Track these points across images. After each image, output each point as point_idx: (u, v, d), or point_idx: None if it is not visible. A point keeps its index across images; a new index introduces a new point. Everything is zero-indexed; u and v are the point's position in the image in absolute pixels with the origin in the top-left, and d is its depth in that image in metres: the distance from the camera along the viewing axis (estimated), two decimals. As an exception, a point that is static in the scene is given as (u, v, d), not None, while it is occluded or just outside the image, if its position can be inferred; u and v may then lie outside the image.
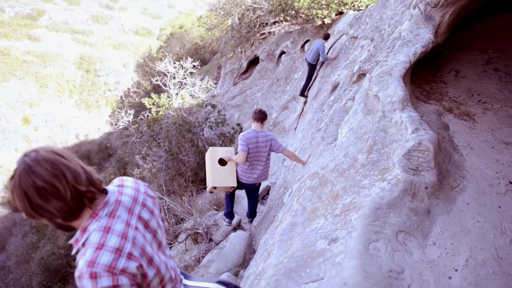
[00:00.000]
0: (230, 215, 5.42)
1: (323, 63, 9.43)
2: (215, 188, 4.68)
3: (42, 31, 37.55)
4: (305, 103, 9.54)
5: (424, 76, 4.37)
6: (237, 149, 4.67)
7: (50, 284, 12.13)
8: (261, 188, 6.82)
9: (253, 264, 3.37)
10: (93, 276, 1.23)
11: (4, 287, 15.98)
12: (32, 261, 14.62)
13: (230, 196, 5.25)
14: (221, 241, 5.39)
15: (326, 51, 8.99)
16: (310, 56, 9.15)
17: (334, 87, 6.52)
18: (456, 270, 2.13)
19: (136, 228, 1.42)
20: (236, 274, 4.46)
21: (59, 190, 1.24)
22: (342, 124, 3.90)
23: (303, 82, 9.75)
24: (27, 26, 37.19)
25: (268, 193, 7.01)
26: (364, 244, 2.13)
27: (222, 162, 4.70)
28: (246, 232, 5.55)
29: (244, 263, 4.86)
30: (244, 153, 4.46)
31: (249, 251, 5.10)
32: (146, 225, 1.49)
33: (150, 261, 1.42)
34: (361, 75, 4.76)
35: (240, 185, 4.88)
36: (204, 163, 9.98)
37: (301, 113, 9.53)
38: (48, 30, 38.24)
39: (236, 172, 4.79)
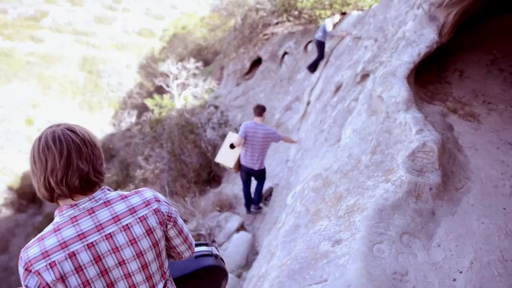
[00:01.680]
0: (247, 206, 6.32)
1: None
2: (218, 163, 6.02)
3: (45, 32, 37.68)
4: (308, 103, 9.53)
5: (428, 77, 4.35)
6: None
7: (52, 285, 12.15)
8: (264, 189, 6.84)
9: (256, 266, 3.36)
10: (19, 258, 1.27)
11: (7, 288, 16.04)
12: (35, 262, 14.65)
13: (246, 191, 6.09)
14: (224, 243, 5.39)
15: (331, 27, 9.36)
16: (317, 34, 9.53)
17: (338, 88, 6.51)
18: (460, 272, 2.11)
19: (91, 246, 1.29)
20: (239, 276, 4.45)
21: (41, 164, 1.29)
22: (345, 125, 3.89)
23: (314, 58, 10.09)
24: (30, 27, 37.32)
25: (271, 195, 7.00)
26: (368, 245, 2.12)
27: (232, 146, 5.67)
28: (249, 234, 5.54)
29: (247, 264, 4.85)
30: (240, 137, 5.32)
31: (252, 253, 5.09)
32: (115, 250, 1.33)
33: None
34: (365, 76, 4.74)
35: (243, 171, 5.71)
36: (206, 164, 10.02)
37: (304, 114, 9.52)
38: (51, 31, 38.37)
39: (239, 158, 5.64)
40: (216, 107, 12.11)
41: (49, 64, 34.79)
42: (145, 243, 1.37)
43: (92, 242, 1.30)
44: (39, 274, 1.23)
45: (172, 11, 51.15)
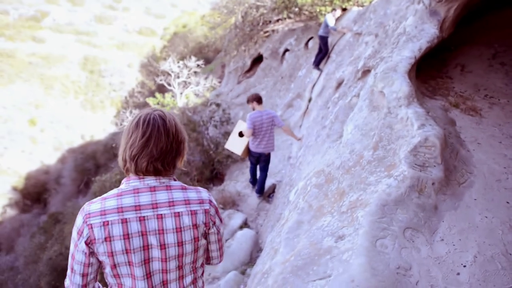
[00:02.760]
0: (253, 182, 6.91)
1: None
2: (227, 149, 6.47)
3: (46, 33, 37.74)
4: (309, 100, 9.52)
5: (430, 72, 4.34)
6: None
7: (58, 285, 12.19)
8: (266, 186, 6.87)
9: (260, 262, 3.37)
10: (82, 209, 1.43)
11: (13, 287, 16.11)
12: (40, 261, 14.71)
13: (254, 169, 6.65)
14: (227, 240, 5.41)
15: (333, 22, 9.33)
16: (320, 30, 9.54)
17: (339, 84, 6.50)
18: (464, 266, 2.12)
19: (142, 220, 1.40)
20: (243, 273, 4.47)
21: (127, 137, 1.44)
22: (347, 121, 3.89)
23: (317, 53, 10.07)
24: (31, 28, 37.39)
25: (274, 191, 7.02)
26: (371, 241, 2.12)
27: (241, 134, 6.13)
28: (253, 231, 5.56)
29: (251, 261, 4.87)
30: (249, 129, 5.67)
31: (256, 249, 5.10)
32: (161, 232, 1.43)
33: (113, 256, 1.39)
34: (366, 72, 4.74)
35: (253, 156, 6.10)
36: (209, 161, 10.04)
37: (306, 110, 9.51)
38: (52, 31, 38.42)
39: (249, 147, 6.04)
40: (217, 105, 12.11)
41: (51, 64, 34.86)
42: (188, 235, 1.46)
43: (144, 216, 1.41)
44: (91, 228, 1.37)
45: (173, 10, 51.11)
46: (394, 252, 2.09)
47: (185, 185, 1.55)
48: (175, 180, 1.54)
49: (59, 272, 12.53)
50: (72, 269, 1.46)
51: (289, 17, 13.28)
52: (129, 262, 1.41)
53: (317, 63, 9.90)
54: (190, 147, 9.87)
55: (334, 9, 9.73)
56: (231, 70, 17.93)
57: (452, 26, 4.00)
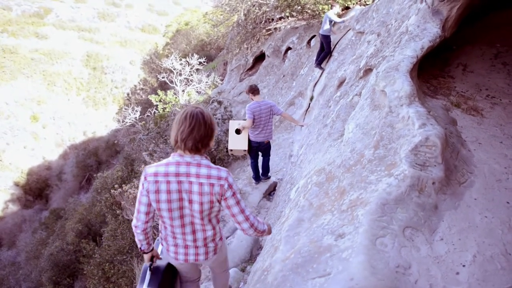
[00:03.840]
0: (256, 179, 7.05)
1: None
2: (231, 150, 6.31)
3: (49, 29, 37.76)
4: (311, 99, 9.52)
5: (432, 71, 4.34)
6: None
7: (59, 280, 12.25)
8: (268, 184, 6.88)
9: (260, 260, 3.38)
10: (144, 170, 2.26)
11: (15, 283, 16.17)
12: (42, 257, 14.78)
13: (255, 165, 6.82)
14: (228, 237, 5.42)
15: (333, 18, 9.32)
16: (321, 29, 9.52)
17: (341, 83, 6.50)
18: (463, 266, 2.12)
19: (179, 182, 2.18)
20: (243, 270, 4.48)
21: (178, 125, 2.16)
22: (348, 119, 3.89)
23: (319, 52, 10.06)
24: (34, 24, 37.41)
25: (274, 189, 7.03)
26: (371, 239, 2.13)
27: (238, 131, 6.20)
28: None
29: (251, 258, 4.88)
30: (250, 119, 5.84)
31: (256, 247, 5.11)
32: (189, 192, 2.20)
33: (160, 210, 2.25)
34: (368, 70, 4.73)
35: (254, 146, 6.30)
36: (211, 159, 10.04)
37: (308, 109, 9.51)
38: (55, 28, 38.44)
39: (249, 137, 6.18)
40: (219, 102, 12.11)
41: (54, 61, 34.89)
42: (206, 198, 2.21)
43: (180, 180, 2.19)
44: (148, 183, 2.20)
45: (175, 7, 51.12)
46: (393, 251, 2.09)
47: (211, 164, 2.25)
48: (206, 157, 2.27)
49: (61, 267, 12.59)
50: (138, 211, 2.30)
51: (292, 15, 13.26)
52: (168, 209, 2.23)
53: (319, 62, 9.87)
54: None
55: (332, 5, 9.58)
56: (233, 68, 17.93)
57: (455, 25, 4.00)
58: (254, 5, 14.04)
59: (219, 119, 11.05)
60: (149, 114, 14.77)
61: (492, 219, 2.40)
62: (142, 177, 2.21)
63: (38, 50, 34.75)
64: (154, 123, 11.63)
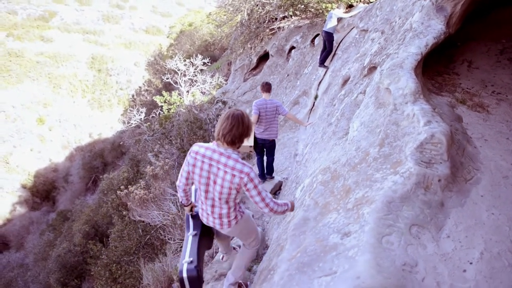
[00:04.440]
0: (261, 176, 6.99)
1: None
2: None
3: (54, 32, 37.97)
4: (315, 97, 9.50)
5: (436, 68, 4.31)
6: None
7: (67, 281, 12.31)
8: (273, 183, 6.88)
9: (266, 259, 3.38)
10: (191, 148, 2.85)
11: (23, 284, 16.29)
12: (49, 258, 14.86)
13: (261, 161, 6.82)
14: (234, 237, 5.41)
15: (337, 17, 9.34)
16: (326, 26, 9.48)
17: (345, 81, 6.48)
18: (470, 263, 2.11)
19: (210, 165, 2.72)
20: (250, 269, 4.48)
21: (222, 123, 2.67)
22: (353, 118, 3.88)
23: (322, 50, 10.01)
24: (39, 27, 37.64)
25: (280, 189, 7.02)
26: (377, 237, 2.12)
27: None
28: (259, 228, 5.56)
29: (257, 258, 4.87)
30: (255, 115, 5.90)
31: (262, 246, 5.11)
32: (215, 174, 2.72)
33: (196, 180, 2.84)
34: (372, 68, 4.72)
35: (259, 143, 6.38)
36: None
37: (312, 108, 9.49)
38: (60, 31, 38.66)
39: (254, 134, 6.22)
40: (224, 102, 12.13)
41: (59, 64, 35.09)
42: (226, 184, 2.70)
43: (211, 164, 2.71)
44: (191, 157, 2.80)
45: (179, 8, 51.23)
46: (400, 249, 2.09)
47: (239, 159, 2.71)
48: (238, 153, 2.75)
49: (68, 268, 12.65)
50: (181, 175, 2.95)
51: (295, 15, 13.23)
52: (199, 181, 2.81)
53: (322, 60, 9.84)
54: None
55: (338, 6, 9.64)
56: (237, 68, 17.93)
57: (459, 22, 3.97)
58: (257, 5, 14.04)
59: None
60: (154, 115, 14.82)
61: (499, 216, 2.39)
62: (189, 152, 2.84)
63: (44, 53, 34.96)
64: (159, 124, 11.67)
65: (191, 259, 3.05)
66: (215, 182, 2.74)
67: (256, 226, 3.40)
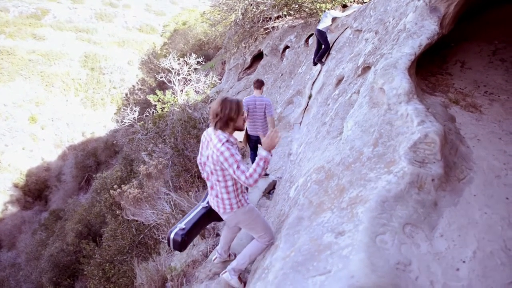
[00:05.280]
0: None
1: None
2: None
3: (47, 30, 37.67)
4: (309, 97, 9.51)
5: (430, 68, 4.34)
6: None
7: (59, 281, 12.25)
8: (267, 183, 6.89)
9: (260, 258, 3.38)
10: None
11: (15, 284, 16.16)
12: (42, 258, 14.77)
13: (253, 157, 6.83)
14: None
15: (332, 18, 9.48)
16: (320, 24, 9.60)
17: (339, 81, 6.49)
18: (464, 262, 2.13)
19: (207, 143, 3.08)
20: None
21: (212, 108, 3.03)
22: (347, 117, 3.90)
23: (316, 50, 10.10)
24: (31, 25, 37.33)
25: (274, 188, 7.02)
26: (371, 237, 2.13)
27: None
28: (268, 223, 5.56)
29: (251, 257, 4.87)
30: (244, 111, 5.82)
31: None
32: (207, 155, 3.04)
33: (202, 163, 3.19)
34: (366, 68, 4.73)
35: (251, 139, 6.48)
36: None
37: (306, 107, 9.51)
38: (52, 29, 38.36)
39: (246, 130, 6.33)
40: (218, 102, 12.05)
41: (51, 62, 34.82)
42: (212, 162, 2.97)
43: (208, 142, 3.04)
44: (202, 135, 3.15)
45: (172, 7, 51.05)
46: (393, 248, 2.10)
47: (224, 140, 2.90)
48: (229, 135, 2.98)
49: (61, 268, 12.58)
50: (199, 150, 3.21)
51: (289, 14, 13.25)
52: (200, 157, 3.18)
53: (320, 57, 9.87)
54: (191, 144, 9.88)
55: (333, 7, 9.71)
56: (231, 67, 17.92)
57: (452, 22, 4.00)
58: (251, 4, 14.03)
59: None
60: (147, 114, 14.76)
61: (492, 215, 2.41)
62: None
63: (36, 51, 34.67)
64: (152, 123, 11.61)
65: (184, 227, 3.35)
66: (207, 158, 3.02)
67: (265, 221, 3.42)
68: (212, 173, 3.04)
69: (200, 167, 3.22)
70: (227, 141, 2.92)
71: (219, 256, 4.30)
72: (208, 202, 3.50)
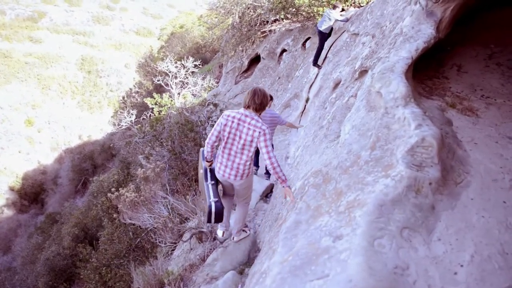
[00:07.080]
0: (256, 163, 7.76)
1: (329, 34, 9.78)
2: None
3: (43, 33, 37.53)
4: (307, 100, 9.53)
5: (426, 72, 4.36)
6: None
7: (56, 285, 12.16)
8: (264, 187, 6.88)
9: (258, 262, 3.38)
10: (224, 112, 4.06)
11: (10, 288, 16.05)
12: (38, 262, 14.67)
13: (256, 160, 7.54)
14: (225, 240, 5.40)
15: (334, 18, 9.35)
16: (320, 24, 9.50)
17: (336, 85, 6.51)
18: (461, 266, 2.13)
19: (238, 124, 3.66)
20: (241, 272, 4.47)
21: (246, 96, 3.74)
22: (344, 121, 3.90)
23: (316, 52, 10.05)
24: (28, 28, 37.17)
25: (271, 191, 7.02)
26: (368, 240, 2.13)
27: None
28: (250, 231, 5.55)
29: (249, 261, 4.87)
30: None
31: (254, 249, 5.10)
32: (241, 132, 3.67)
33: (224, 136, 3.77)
34: (363, 72, 4.75)
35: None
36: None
37: (303, 111, 9.53)
38: (49, 31, 38.22)
39: None
40: (215, 105, 12.10)
41: (48, 65, 34.69)
42: (248, 138, 3.66)
43: (239, 123, 3.66)
44: (223, 119, 3.71)
45: (170, 10, 51.04)
46: (391, 252, 2.10)
47: (259, 119, 3.66)
48: (259, 116, 3.71)
49: (57, 272, 12.50)
50: (212, 133, 3.75)
51: (286, 18, 13.30)
52: (227, 137, 3.71)
53: (314, 60, 9.88)
54: (188, 147, 9.87)
55: (335, 6, 9.58)
56: (228, 70, 17.94)
57: (449, 26, 4.02)
58: (248, 8, 14.07)
59: (214, 121, 11.03)
60: (144, 117, 14.74)
61: (489, 219, 2.41)
62: (221, 116, 3.73)
63: (32, 54, 34.52)
64: (149, 126, 11.58)
65: (216, 199, 3.95)
66: (240, 137, 3.66)
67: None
68: (244, 145, 3.69)
69: (212, 139, 3.78)
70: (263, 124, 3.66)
71: (224, 228, 5.00)
72: (212, 179, 4.14)
